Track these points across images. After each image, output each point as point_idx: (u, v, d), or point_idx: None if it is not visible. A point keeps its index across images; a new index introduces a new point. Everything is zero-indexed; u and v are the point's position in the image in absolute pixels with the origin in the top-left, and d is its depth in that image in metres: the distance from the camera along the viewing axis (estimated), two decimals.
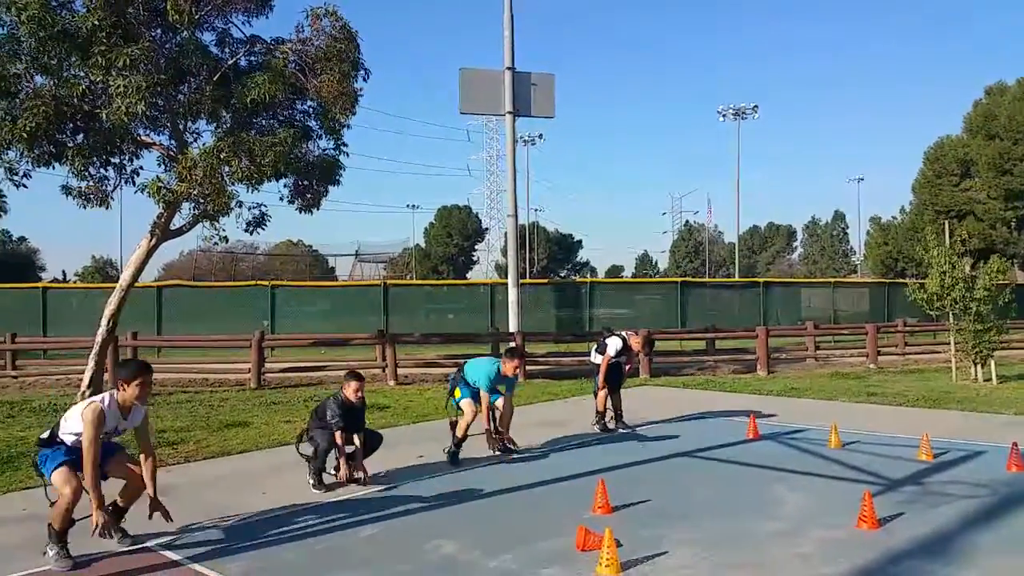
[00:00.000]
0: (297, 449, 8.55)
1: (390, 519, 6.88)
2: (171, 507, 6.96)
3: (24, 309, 26.38)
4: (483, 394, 9.27)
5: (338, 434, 8.05)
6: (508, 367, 9.32)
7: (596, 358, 11.47)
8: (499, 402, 9.55)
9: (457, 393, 9.38)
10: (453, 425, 9.28)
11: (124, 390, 5.85)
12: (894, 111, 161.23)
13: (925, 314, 19.90)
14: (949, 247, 17.62)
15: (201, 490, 8.09)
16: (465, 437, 9.24)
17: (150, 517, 6.02)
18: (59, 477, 5.74)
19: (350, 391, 8.29)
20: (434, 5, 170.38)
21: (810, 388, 16.10)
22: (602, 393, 11.31)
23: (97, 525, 5.63)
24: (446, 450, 9.21)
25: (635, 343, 11.42)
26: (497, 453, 9.48)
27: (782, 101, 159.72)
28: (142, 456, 6.03)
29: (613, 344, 11.24)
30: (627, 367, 11.75)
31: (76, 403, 5.97)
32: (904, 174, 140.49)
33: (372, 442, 8.52)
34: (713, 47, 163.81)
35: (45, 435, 5.99)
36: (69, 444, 5.80)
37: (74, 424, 5.79)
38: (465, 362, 9.73)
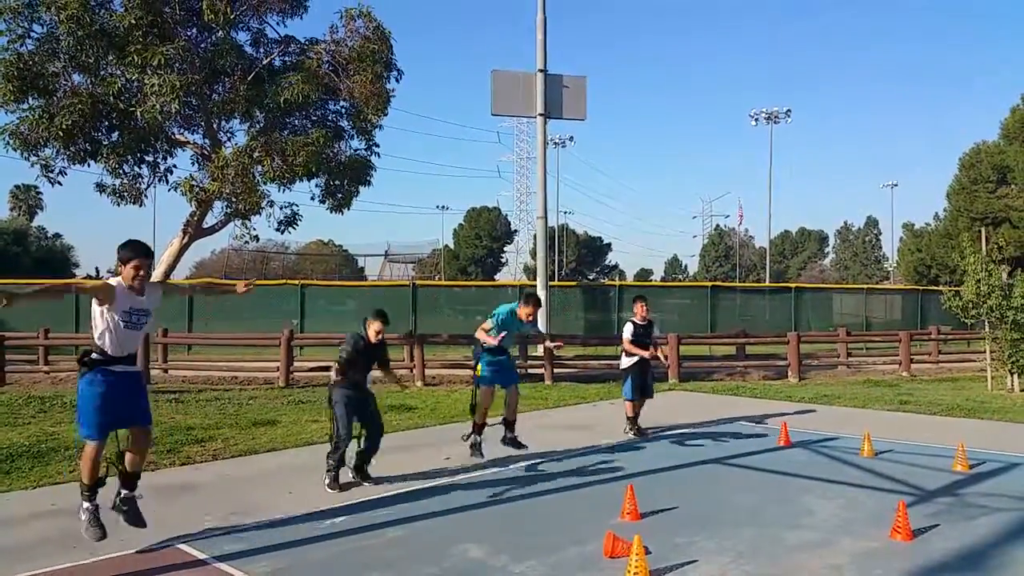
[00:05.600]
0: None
1: (416, 521, 6.84)
2: (198, 504, 7.01)
3: (57, 305, 26.61)
4: (488, 337, 9.06)
5: (335, 370, 7.85)
6: (523, 311, 9.22)
7: (624, 360, 11.36)
8: (508, 396, 9.44)
9: (479, 370, 9.24)
10: (473, 408, 9.25)
11: (121, 270, 5.77)
12: (929, 117, 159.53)
13: (959, 322, 19.60)
14: (985, 254, 17.35)
15: (228, 488, 8.10)
16: (484, 424, 9.26)
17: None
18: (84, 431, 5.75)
19: (371, 330, 8.06)
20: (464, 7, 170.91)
21: (842, 395, 15.88)
22: (628, 403, 11.27)
23: None
24: (465, 438, 9.23)
25: (638, 310, 11.27)
26: (507, 447, 9.38)
27: (816, 105, 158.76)
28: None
29: (626, 329, 11.26)
30: (653, 359, 11.42)
31: None
32: (938, 181, 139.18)
33: (375, 436, 8.18)
34: (745, 51, 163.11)
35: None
36: (100, 342, 5.72)
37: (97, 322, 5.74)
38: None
